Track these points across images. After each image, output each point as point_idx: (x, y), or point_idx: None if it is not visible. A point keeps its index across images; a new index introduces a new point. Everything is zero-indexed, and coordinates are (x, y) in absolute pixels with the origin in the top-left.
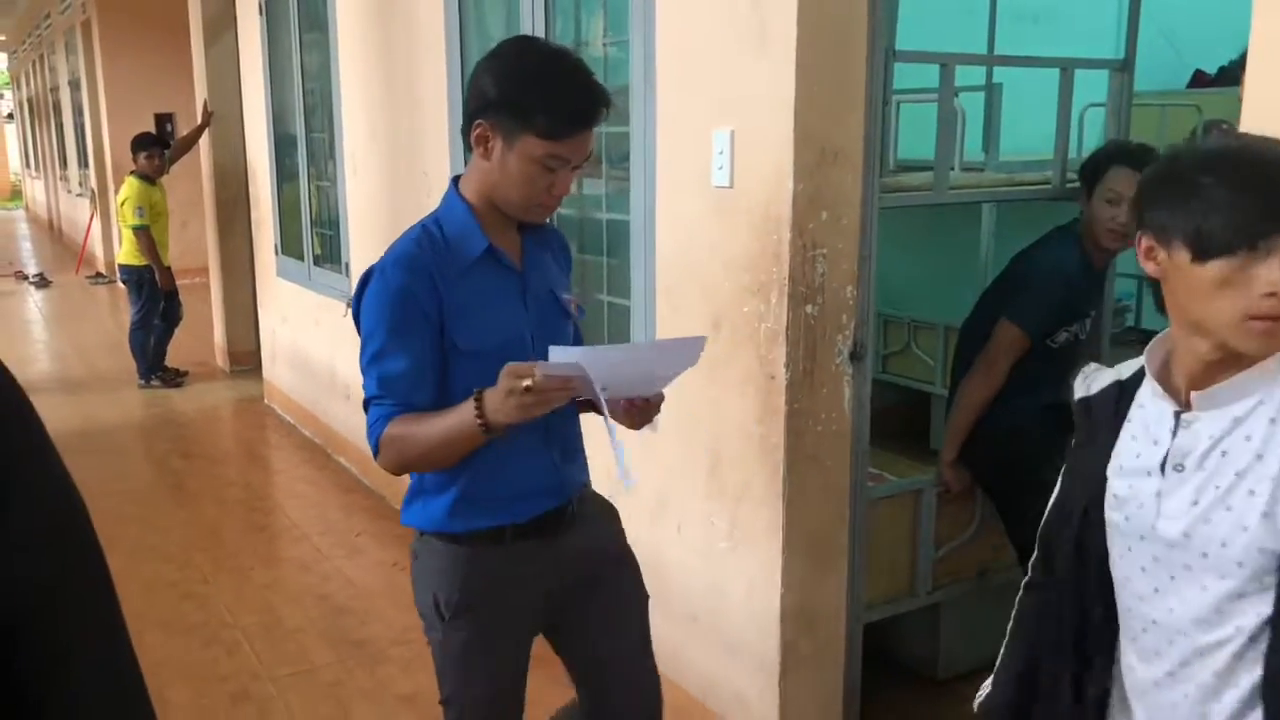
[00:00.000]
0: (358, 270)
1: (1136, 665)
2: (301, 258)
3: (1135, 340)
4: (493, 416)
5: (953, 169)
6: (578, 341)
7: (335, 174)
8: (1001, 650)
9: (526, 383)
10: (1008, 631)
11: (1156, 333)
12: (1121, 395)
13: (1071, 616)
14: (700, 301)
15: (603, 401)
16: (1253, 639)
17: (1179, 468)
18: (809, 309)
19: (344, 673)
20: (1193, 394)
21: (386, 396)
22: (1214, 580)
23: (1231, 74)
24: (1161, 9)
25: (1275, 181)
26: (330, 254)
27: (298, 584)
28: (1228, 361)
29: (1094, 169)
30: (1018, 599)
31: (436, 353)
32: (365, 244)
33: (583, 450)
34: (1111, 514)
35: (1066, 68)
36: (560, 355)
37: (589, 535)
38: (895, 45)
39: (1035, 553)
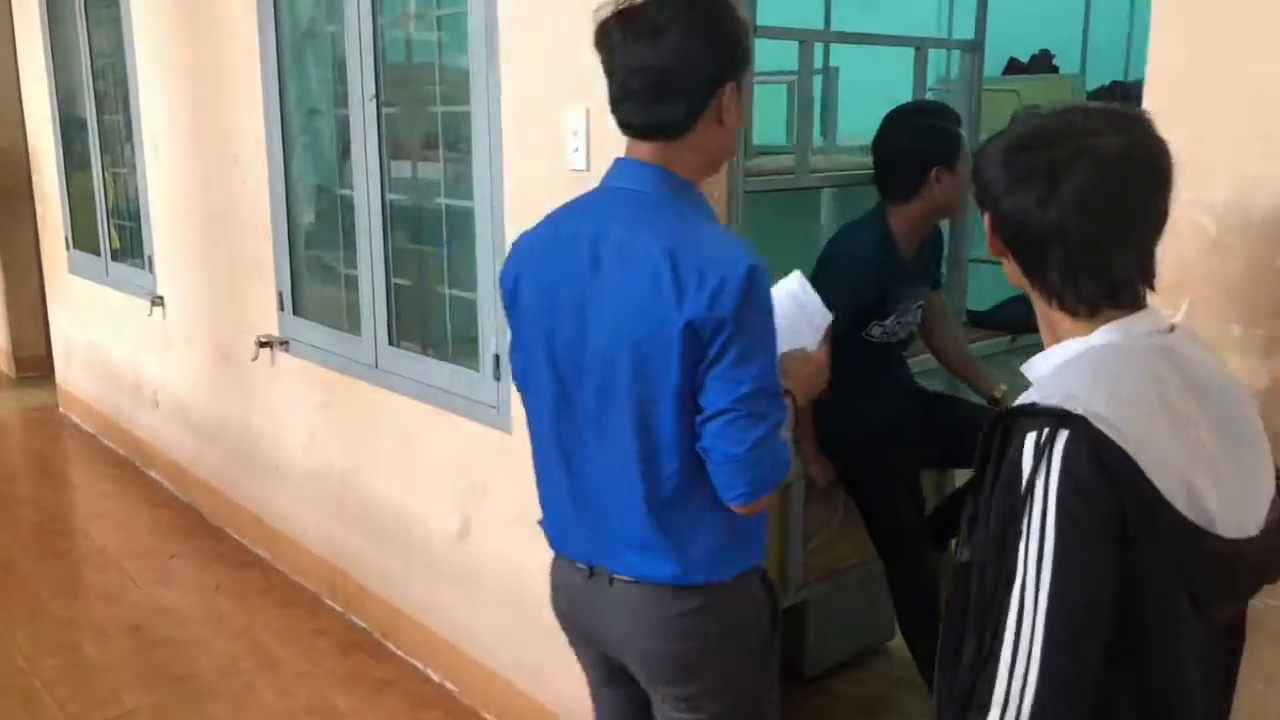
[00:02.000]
0: (162, 265)
1: None
2: (98, 252)
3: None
4: (803, 396)
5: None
6: None
7: (134, 160)
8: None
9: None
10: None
11: None
12: None
13: None
14: None
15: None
16: None
17: None
18: None
19: (165, 715)
20: None
21: (783, 407)
22: None
23: (1043, 61)
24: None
25: None
26: (131, 248)
27: (105, 616)
28: None
29: (955, 144)
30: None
31: None
32: (171, 236)
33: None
34: None
35: (920, 47)
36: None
37: None
38: (757, 21)
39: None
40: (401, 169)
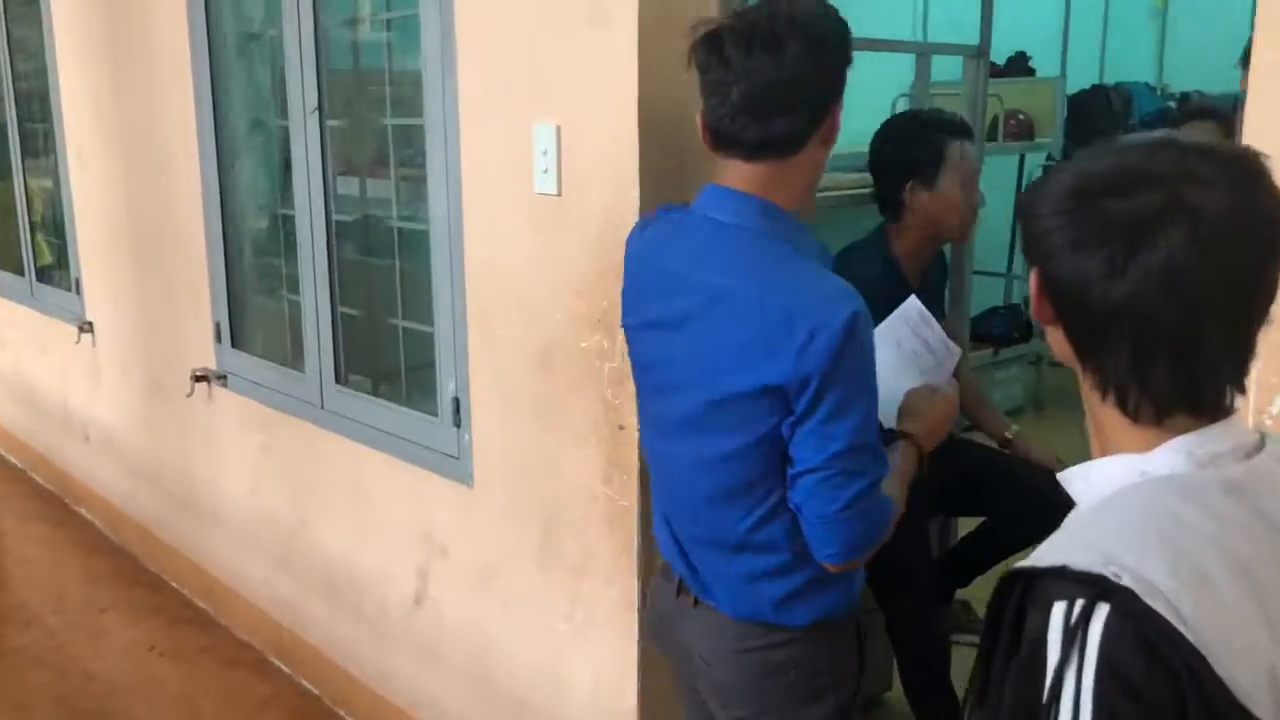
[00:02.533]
0: (91, 288)
1: None
2: (21, 271)
3: None
4: (929, 442)
5: None
6: None
7: (60, 171)
8: None
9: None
10: None
11: None
12: None
13: None
14: (525, 332)
15: None
16: None
17: None
18: None
19: None
20: None
21: (883, 463)
22: None
23: (1020, 63)
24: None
25: None
26: (60, 265)
27: (27, 685)
28: None
29: (934, 148)
30: None
31: None
32: (101, 256)
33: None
34: None
35: (924, 53)
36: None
37: None
38: None
39: None
40: (349, 186)
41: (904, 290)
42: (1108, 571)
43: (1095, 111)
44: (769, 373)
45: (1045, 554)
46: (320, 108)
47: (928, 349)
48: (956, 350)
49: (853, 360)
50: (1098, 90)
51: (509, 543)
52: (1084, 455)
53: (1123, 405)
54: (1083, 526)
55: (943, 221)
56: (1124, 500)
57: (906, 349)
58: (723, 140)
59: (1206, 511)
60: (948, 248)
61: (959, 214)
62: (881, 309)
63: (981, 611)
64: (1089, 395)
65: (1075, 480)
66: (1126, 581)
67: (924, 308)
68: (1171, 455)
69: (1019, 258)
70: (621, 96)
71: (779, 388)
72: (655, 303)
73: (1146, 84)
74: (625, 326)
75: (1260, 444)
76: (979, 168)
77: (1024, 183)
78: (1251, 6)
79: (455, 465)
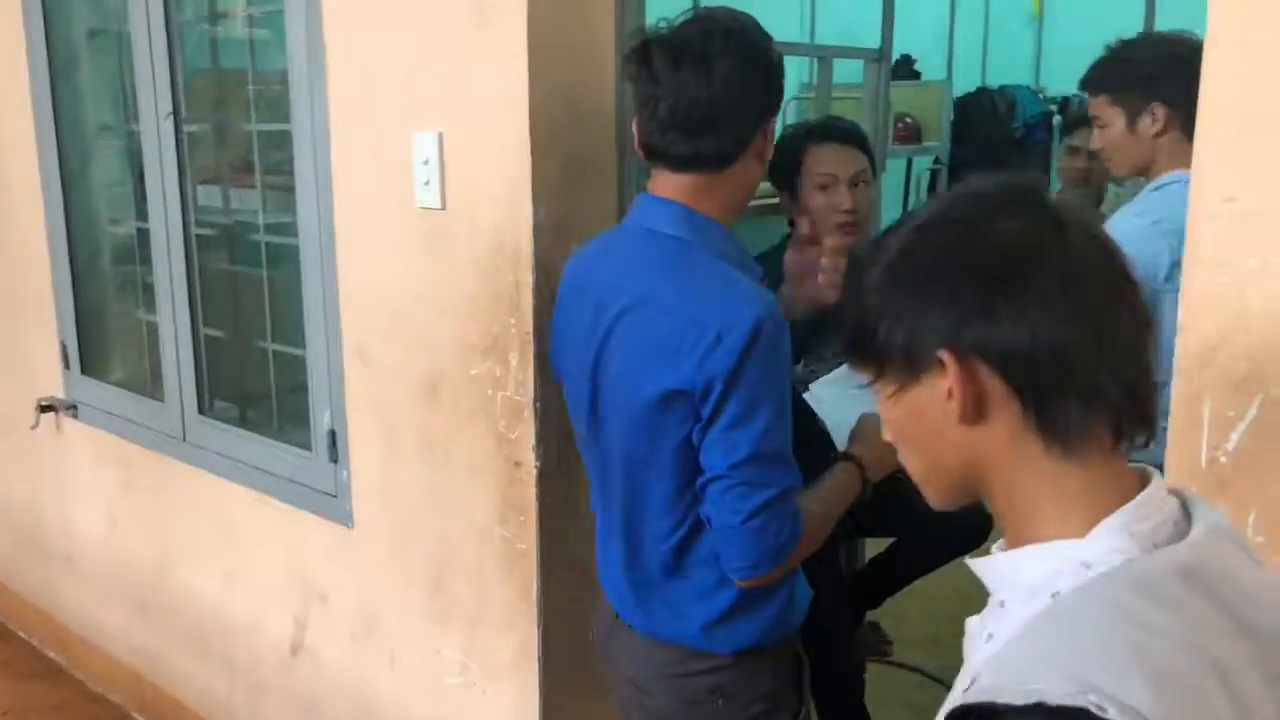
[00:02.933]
0: None
1: None
2: None
3: None
4: (874, 467)
5: None
6: None
7: None
8: None
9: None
10: None
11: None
12: None
13: None
14: (408, 358)
15: None
16: None
17: None
18: None
19: None
20: None
21: (791, 474)
22: None
23: (905, 67)
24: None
25: None
26: None
27: None
28: None
29: (792, 155)
30: None
31: None
32: None
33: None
34: None
35: (825, 56)
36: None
37: None
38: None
39: None
40: (211, 196)
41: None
42: (1088, 702)
43: (981, 115)
44: (674, 377)
45: (1007, 680)
46: (176, 111)
47: None
48: None
49: (759, 364)
50: (983, 93)
51: (395, 589)
52: None
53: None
54: (1043, 644)
55: (815, 233)
56: (1079, 607)
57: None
58: (652, 154)
59: (1168, 608)
60: None
61: (822, 224)
62: (798, 328)
63: (894, 633)
64: (1017, 471)
65: (998, 573)
66: (1111, 715)
67: None
68: (1111, 538)
69: None
70: (510, 101)
71: (684, 392)
72: (588, 318)
73: (1028, 87)
74: (553, 359)
75: (1184, 508)
76: (843, 171)
77: (911, 186)
78: (1126, 10)
79: (333, 504)
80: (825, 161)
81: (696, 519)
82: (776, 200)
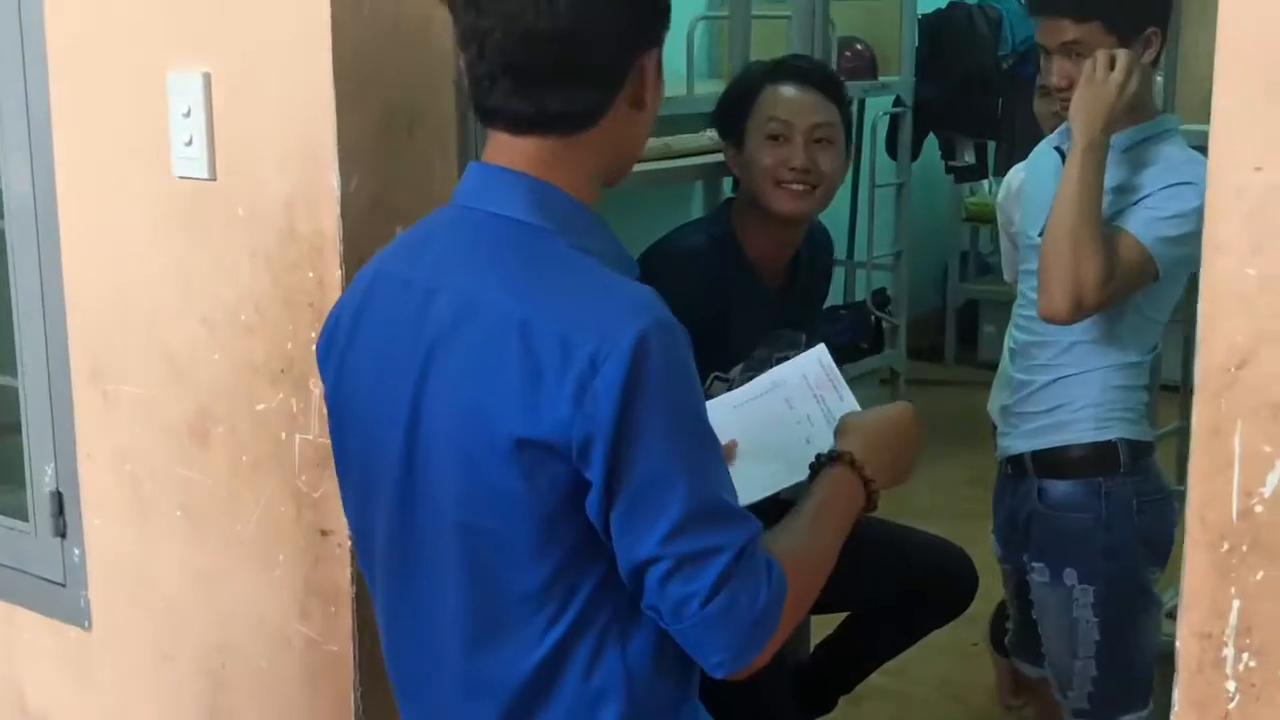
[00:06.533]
0: None
1: None
2: None
3: None
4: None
5: None
6: None
7: None
8: None
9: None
10: None
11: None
12: None
13: None
14: (166, 388)
15: None
16: None
17: None
18: None
19: None
20: None
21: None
22: None
23: None
24: None
25: None
26: None
27: None
28: None
29: (740, 98)
30: None
31: None
32: None
33: None
34: None
35: None
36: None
37: None
38: None
39: None
40: None
41: (753, 290)
42: None
43: (956, 39)
44: (529, 421)
45: None
46: None
47: (826, 419)
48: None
49: (656, 395)
50: (958, 9)
51: (154, 715)
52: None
53: None
54: None
55: (758, 194)
56: None
57: (798, 412)
58: (484, 113)
59: None
60: (840, 234)
61: (766, 182)
62: (709, 298)
63: None
64: None
65: None
66: None
67: (832, 362)
68: None
69: (862, 240)
70: (307, 26)
71: (548, 446)
72: (402, 342)
73: (1018, 1)
74: (331, 407)
75: None
76: (800, 119)
77: (865, 136)
78: None
79: (59, 596)
80: (780, 105)
81: (576, 619)
82: (720, 157)
